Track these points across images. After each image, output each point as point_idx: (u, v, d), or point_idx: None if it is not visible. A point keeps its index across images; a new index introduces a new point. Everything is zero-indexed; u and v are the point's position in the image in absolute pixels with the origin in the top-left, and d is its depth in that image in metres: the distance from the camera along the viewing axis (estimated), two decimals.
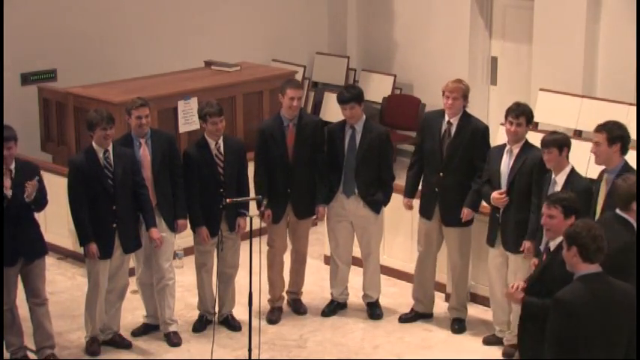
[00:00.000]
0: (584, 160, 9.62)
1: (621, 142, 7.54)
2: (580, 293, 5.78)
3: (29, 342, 8.42)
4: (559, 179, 7.80)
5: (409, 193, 9.08)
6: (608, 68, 12.24)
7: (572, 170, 7.84)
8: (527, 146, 8.34)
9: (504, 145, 8.42)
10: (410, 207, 9.08)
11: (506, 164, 8.35)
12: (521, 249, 8.21)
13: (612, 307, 5.82)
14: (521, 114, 8.27)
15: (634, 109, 11.47)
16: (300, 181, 8.98)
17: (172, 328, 8.85)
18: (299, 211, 9.09)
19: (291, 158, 8.92)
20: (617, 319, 5.84)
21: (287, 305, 9.40)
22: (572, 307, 5.73)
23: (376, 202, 9.05)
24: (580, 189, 7.58)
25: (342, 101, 8.92)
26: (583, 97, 12.10)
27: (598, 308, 5.76)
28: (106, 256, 8.32)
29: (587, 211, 7.40)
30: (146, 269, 8.79)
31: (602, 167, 7.67)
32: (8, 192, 7.86)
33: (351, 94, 8.95)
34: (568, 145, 7.87)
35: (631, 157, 10.03)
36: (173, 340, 8.82)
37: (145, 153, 8.58)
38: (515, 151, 8.31)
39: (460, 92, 8.70)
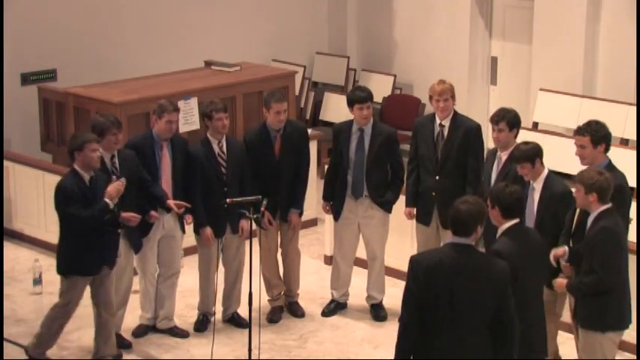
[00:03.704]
0: None
1: (605, 142, 7.50)
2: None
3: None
4: (537, 185, 7.69)
5: (410, 201, 9.02)
6: (608, 68, 12.24)
7: (549, 174, 7.72)
8: None
9: (496, 150, 8.30)
10: (412, 216, 9.03)
11: (495, 170, 8.25)
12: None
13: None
14: (501, 119, 8.11)
15: (634, 109, 11.48)
16: (286, 186, 8.95)
17: (174, 323, 8.92)
18: (286, 216, 9.06)
19: (278, 166, 8.91)
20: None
21: (285, 308, 9.36)
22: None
23: (387, 202, 9.04)
24: (558, 191, 7.59)
25: (360, 100, 8.80)
26: (583, 97, 12.10)
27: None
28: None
29: (564, 212, 7.42)
30: (153, 271, 8.81)
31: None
32: (111, 201, 7.80)
33: (367, 93, 8.90)
34: (540, 155, 7.69)
35: (631, 157, 10.09)
36: (181, 332, 8.87)
37: (165, 155, 8.59)
38: (503, 158, 8.18)
39: (449, 93, 8.68)
